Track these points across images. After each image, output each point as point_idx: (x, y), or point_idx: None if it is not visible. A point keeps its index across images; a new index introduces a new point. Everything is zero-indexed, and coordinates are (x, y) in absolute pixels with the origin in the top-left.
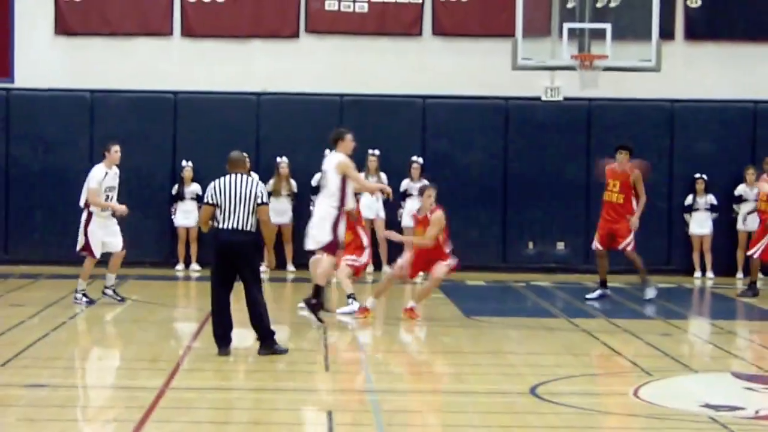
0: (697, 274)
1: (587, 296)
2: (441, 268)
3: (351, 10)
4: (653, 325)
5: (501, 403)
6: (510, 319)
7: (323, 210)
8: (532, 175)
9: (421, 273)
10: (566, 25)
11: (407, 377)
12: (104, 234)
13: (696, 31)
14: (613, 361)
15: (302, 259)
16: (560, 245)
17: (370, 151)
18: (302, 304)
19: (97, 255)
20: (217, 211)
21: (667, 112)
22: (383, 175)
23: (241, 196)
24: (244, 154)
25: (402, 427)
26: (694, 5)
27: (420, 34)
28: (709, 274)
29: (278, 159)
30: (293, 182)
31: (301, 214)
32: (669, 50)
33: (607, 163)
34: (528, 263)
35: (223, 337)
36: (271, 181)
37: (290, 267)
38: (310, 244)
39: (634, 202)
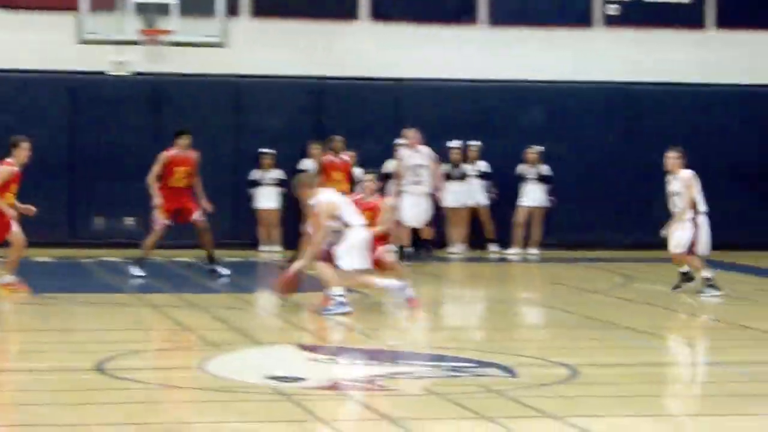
0: (265, 247)
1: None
2: None
3: None
4: (221, 299)
5: (67, 380)
6: (78, 296)
7: None
8: (100, 150)
9: None
10: None
11: None
12: None
13: (262, 7)
14: (181, 335)
15: None
16: (130, 220)
17: None
18: None
19: None
20: None
21: (234, 87)
22: None
23: None
24: None
25: None
26: None
27: None
28: (276, 248)
29: None
30: None
31: None
32: (235, 26)
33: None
34: (97, 239)
35: None
36: None
37: None
38: None
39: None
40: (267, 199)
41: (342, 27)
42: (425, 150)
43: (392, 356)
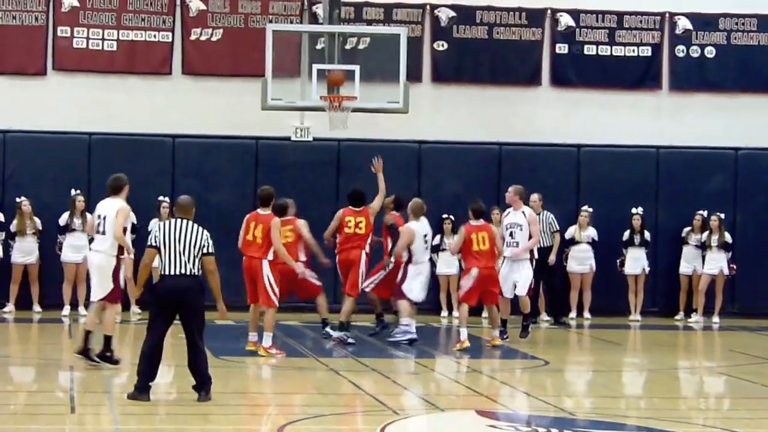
0: (444, 313)
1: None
2: None
3: (99, 47)
4: (401, 364)
5: None
6: (259, 359)
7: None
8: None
9: None
10: (316, 66)
11: (154, 418)
12: None
13: (442, 74)
14: (360, 400)
15: (48, 300)
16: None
17: None
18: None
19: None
20: (158, 256)
21: (414, 152)
22: (131, 215)
23: (189, 242)
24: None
25: None
26: (440, 49)
27: (170, 72)
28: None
29: (19, 198)
30: (37, 220)
31: (47, 253)
32: (416, 92)
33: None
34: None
35: (149, 383)
36: (15, 221)
37: (36, 308)
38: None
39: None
40: (446, 264)
41: (522, 93)
42: (527, 210)
43: (573, 424)
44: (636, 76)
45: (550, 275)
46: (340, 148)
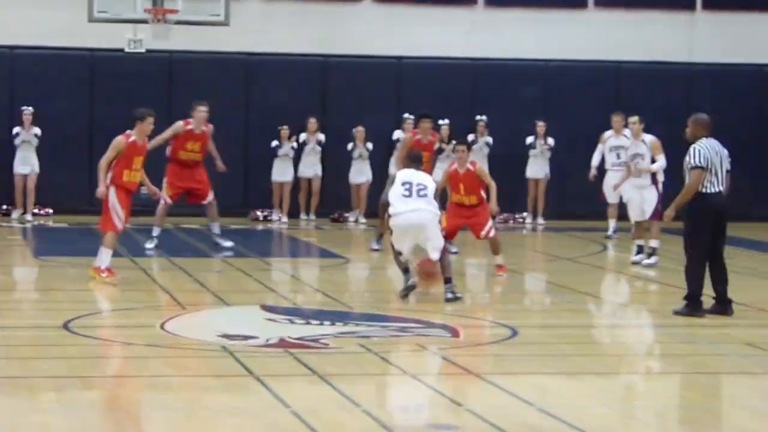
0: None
1: None
2: None
3: None
4: (210, 263)
5: (30, 336)
6: (77, 259)
7: None
8: (117, 123)
9: None
10: None
11: None
12: None
13: None
14: (155, 296)
15: None
16: (143, 190)
17: None
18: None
19: None
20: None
21: (243, 64)
22: None
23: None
24: None
25: None
26: None
27: None
28: (284, 218)
29: None
30: None
31: None
32: (245, 6)
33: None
34: None
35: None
36: None
37: None
38: None
39: None
40: (281, 172)
41: (345, 7)
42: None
43: (346, 317)
44: None
45: None
46: (172, 60)
